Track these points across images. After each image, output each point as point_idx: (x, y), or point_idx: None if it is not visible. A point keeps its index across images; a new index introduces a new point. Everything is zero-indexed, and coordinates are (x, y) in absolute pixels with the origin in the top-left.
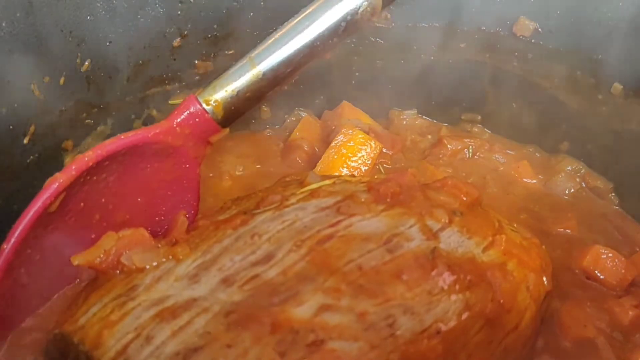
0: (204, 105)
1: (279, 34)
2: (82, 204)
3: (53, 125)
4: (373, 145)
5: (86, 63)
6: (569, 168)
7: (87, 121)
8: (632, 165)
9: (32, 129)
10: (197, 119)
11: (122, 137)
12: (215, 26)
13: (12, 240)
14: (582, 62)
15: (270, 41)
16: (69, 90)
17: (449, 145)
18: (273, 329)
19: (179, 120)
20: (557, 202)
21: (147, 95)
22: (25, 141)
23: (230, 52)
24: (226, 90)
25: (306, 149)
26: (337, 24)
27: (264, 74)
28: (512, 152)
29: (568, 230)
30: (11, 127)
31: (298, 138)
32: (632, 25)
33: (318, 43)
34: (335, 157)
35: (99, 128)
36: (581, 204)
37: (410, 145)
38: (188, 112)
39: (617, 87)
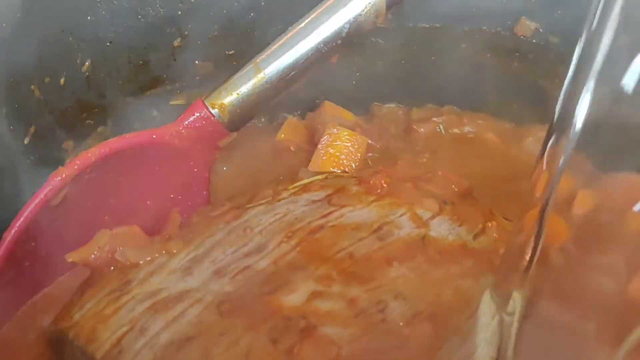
0: (210, 109)
1: (283, 39)
2: (89, 204)
3: (53, 126)
4: (359, 140)
5: (86, 63)
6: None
7: (87, 121)
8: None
9: (32, 129)
10: (203, 122)
11: (127, 136)
12: (215, 26)
13: (14, 230)
14: None
15: (275, 46)
16: (69, 90)
17: (420, 129)
18: (265, 317)
19: (185, 123)
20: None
21: (147, 95)
22: (25, 141)
23: (231, 52)
24: (232, 95)
25: (293, 149)
26: (341, 27)
27: (270, 78)
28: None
29: None
30: (12, 127)
31: (284, 140)
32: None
33: (322, 46)
34: (324, 157)
35: (99, 128)
36: None
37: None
38: (195, 115)
39: None
